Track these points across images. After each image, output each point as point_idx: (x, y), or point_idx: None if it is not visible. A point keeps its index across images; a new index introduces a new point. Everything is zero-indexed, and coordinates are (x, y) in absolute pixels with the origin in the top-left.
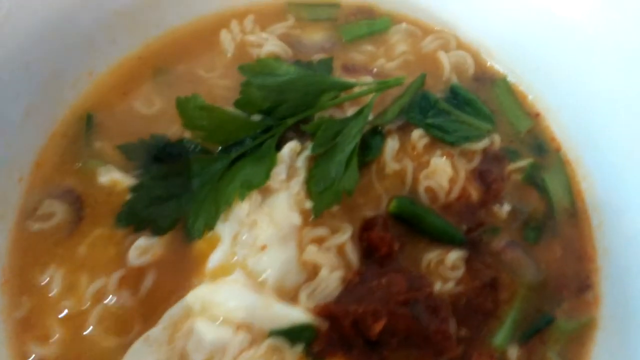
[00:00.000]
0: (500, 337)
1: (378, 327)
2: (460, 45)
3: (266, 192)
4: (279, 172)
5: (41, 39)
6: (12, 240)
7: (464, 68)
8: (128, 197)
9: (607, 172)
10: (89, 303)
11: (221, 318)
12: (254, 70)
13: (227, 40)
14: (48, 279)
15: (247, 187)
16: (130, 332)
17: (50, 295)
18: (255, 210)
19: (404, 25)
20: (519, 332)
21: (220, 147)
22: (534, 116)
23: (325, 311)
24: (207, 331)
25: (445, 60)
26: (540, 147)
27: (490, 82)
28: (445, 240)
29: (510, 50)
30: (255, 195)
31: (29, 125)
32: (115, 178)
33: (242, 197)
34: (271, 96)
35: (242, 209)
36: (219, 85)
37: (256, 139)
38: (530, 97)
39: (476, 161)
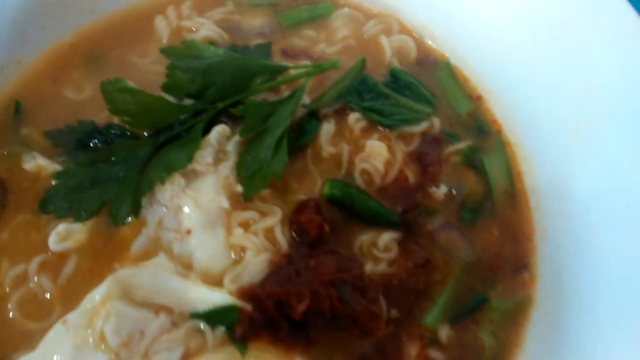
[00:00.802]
0: (431, 317)
1: (301, 307)
2: (403, 30)
3: (192, 176)
4: (205, 156)
5: None
6: None
7: (406, 52)
8: (52, 183)
9: (547, 153)
10: (8, 288)
11: (141, 301)
12: (178, 53)
13: (162, 25)
14: None
15: (168, 170)
16: (50, 316)
17: None
18: (179, 194)
19: (346, 10)
20: (452, 312)
21: (148, 133)
22: (476, 99)
23: (247, 293)
24: (126, 314)
25: (387, 44)
26: (480, 129)
27: (432, 65)
28: (380, 222)
29: (453, 34)
30: (178, 179)
31: None
32: (41, 164)
33: (162, 181)
34: (198, 79)
35: (165, 192)
36: (153, 71)
37: (185, 124)
38: (472, 80)
39: (414, 144)
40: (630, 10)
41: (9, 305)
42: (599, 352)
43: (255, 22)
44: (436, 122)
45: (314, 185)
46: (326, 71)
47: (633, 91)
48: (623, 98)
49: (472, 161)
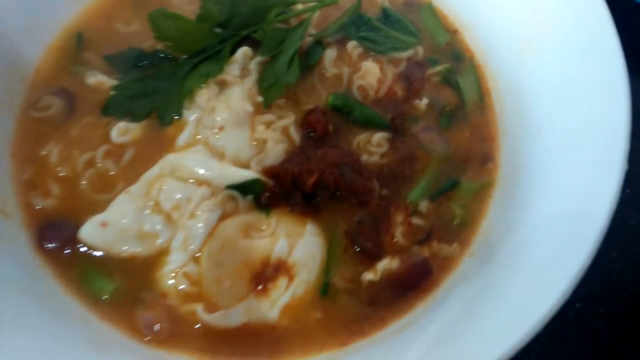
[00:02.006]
0: (413, 194)
1: (311, 181)
2: None
3: (223, 85)
4: (233, 69)
5: None
6: (18, 123)
7: None
8: (111, 94)
9: (508, 72)
10: (80, 168)
11: (186, 177)
12: None
13: None
14: (47, 152)
15: (204, 77)
16: (114, 190)
17: (49, 163)
18: (213, 98)
19: None
20: (430, 192)
21: (186, 56)
22: (453, 32)
23: (269, 171)
24: (175, 186)
25: None
26: (456, 55)
27: (417, 6)
28: (373, 126)
29: None
30: (212, 86)
31: (29, 39)
32: (100, 80)
33: (200, 85)
34: (225, 10)
35: (202, 96)
36: (186, 10)
37: (215, 48)
38: (450, 16)
39: (401, 67)
40: None
41: (81, 182)
42: (540, 215)
43: None
44: (420, 50)
45: (319, 98)
46: (327, 6)
47: (575, 4)
48: (563, 15)
49: (449, 80)
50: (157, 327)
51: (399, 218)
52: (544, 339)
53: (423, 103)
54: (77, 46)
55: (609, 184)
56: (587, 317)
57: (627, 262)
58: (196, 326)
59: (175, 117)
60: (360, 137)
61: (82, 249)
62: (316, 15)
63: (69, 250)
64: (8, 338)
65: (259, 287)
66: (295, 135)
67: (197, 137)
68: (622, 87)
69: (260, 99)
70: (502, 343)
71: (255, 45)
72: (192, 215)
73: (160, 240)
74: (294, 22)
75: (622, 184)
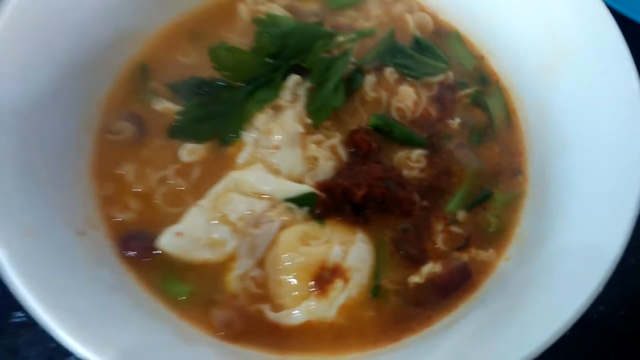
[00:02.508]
0: (451, 205)
1: (360, 193)
2: (422, 9)
3: (277, 109)
4: (285, 95)
5: (111, 10)
6: (96, 146)
7: (425, 25)
8: (176, 118)
9: (533, 94)
10: (154, 185)
11: (248, 192)
12: (264, 22)
13: (244, 10)
14: (123, 172)
15: (263, 102)
16: (184, 205)
17: (125, 181)
18: (270, 121)
19: None
20: (466, 203)
21: (242, 83)
22: (479, 58)
23: (322, 185)
24: (239, 200)
25: (410, 19)
26: (483, 79)
27: (445, 35)
28: (411, 144)
29: (461, 10)
30: (268, 110)
31: (102, 71)
32: (166, 106)
33: (260, 110)
34: (277, 42)
35: (260, 119)
36: (239, 43)
37: (267, 76)
38: (475, 44)
39: (434, 90)
40: None
41: (155, 197)
42: (570, 224)
43: (310, 6)
44: (450, 74)
45: (361, 119)
46: (366, 37)
47: (592, 31)
48: (580, 41)
49: (478, 102)
50: (229, 324)
51: (439, 227)
52: (570, 338)
53: (455, 122)
54: (143, 76)
55: (631, 191)
56: (609, 319)
57: None
58: (263, 324)
59: (235, 138)
60: (400, 154)
61: (159, 256)
62: (355, 45)
63: (148, 258)
64: (112, 328)
65: (318, 289)
66: (342, 153)
67: (256, 155)
68: (637, 104)
69: (309, 120)
70: (534, 340)
71: (302, 73)
72: (256, 225)
73: (228, 248)
74: (335, 52)
75: None
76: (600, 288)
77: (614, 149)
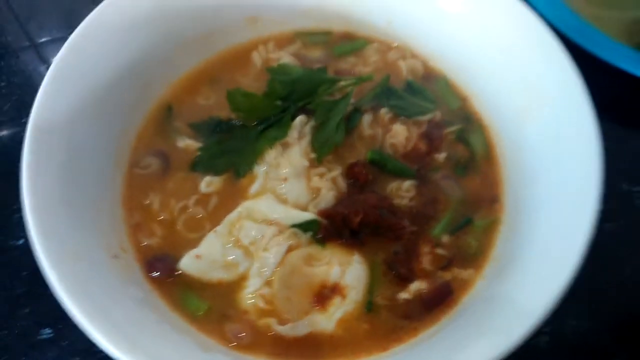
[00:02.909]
0: (437, 230)
1: (357, 220)
2: (414, 56)
3: (285, 146)
4: (293, 133)
5: (144, 58)
6: (126, 179)
7: (416, 70)
8: (197, 154)
9: (509, 132)
10: (176, 214)
11: (260, 219)
12: (276, 70)
13: (257, 57)
14: (149, 202)
15: (273, 140)
16: (203, 230)
17: (151, 209)
18: (278, 156)
19: (375, 44)
20: (450, 228)
21: (255, 123)
22: (463, 99)
23: (324, 213)
24: (252, 227)
25: (403, 65)
26: (467, 118)
27: (434, 79)
28: (403, 175)
29: (449, 58)
30: (278, 147)
31: (133, 112)
32: (188, 143)
33: (271, 147)
34: (287, 87)
35: (270, 155)
36: (252, 87)
37: (277, 116)
38: (461, 87)
39: (424, 127)
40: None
41: (178, 224)
42: (536, 246)
43: (316, 54)
44: (438, 114)
45: (359, 154)
46: (364, 82)
47: (559, 83)
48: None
49: (462, 138)
50: (241, 335)
51: (426, 249)
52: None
53: (442, 156)
54: (169, 116)
55: (586, 218)
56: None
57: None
58: (271, 335)
59: (248, 171)
60: (393, 185)
61: (180, 276)
62: (354, 87)
63: (171, 278)
64: (143, 337)
65: (319, 305)
66: (342, 184)
67: (266, 186)
68: (594, 145)
69: (314, 155)
70: (504, 344)
71: (307, 113)
72: (265, 249)
73: (241, 269)
74: (337, 95)
75: (596, 218)
76: (560, 296)
77: (575, 182)
